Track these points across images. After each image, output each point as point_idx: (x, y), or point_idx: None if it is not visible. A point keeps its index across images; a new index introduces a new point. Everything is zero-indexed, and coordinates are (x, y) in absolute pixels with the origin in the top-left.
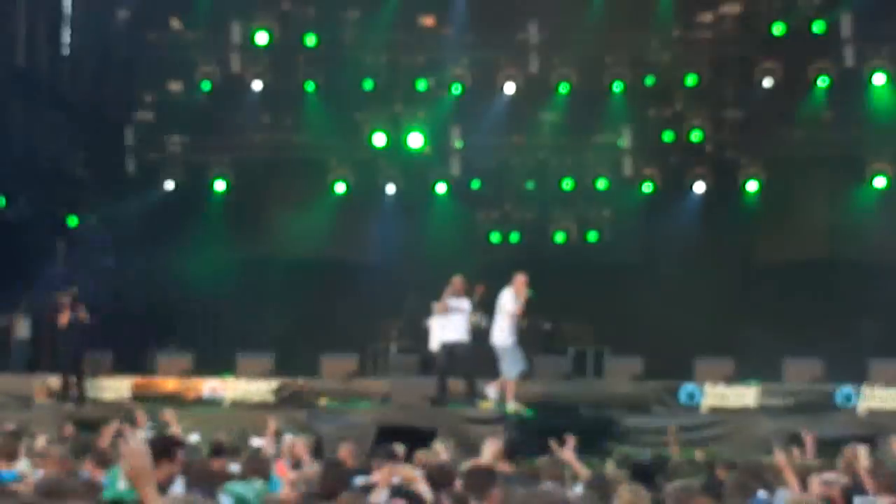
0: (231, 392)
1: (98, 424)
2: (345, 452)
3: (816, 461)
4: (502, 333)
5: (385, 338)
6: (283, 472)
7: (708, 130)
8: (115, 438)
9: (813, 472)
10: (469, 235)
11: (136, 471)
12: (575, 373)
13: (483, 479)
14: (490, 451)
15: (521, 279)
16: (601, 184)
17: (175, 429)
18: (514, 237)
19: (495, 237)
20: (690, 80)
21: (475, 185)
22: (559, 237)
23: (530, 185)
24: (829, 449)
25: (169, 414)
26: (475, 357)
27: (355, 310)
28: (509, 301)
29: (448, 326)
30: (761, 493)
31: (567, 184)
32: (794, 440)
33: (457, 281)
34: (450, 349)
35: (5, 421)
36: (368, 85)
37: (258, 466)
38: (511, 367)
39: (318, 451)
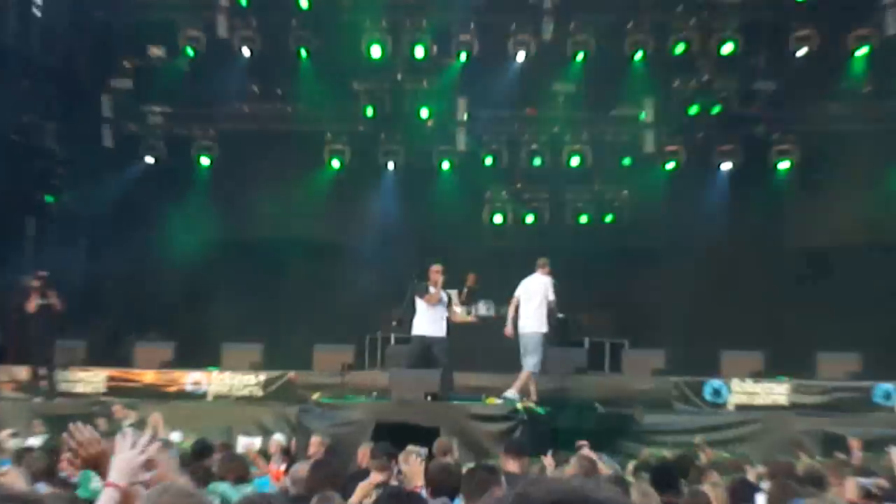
0: (215, 386)
1: (70, 420)
2: (361, 455)
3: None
4: (539, 322)
5: (383, 327)
6: (276, 475)
7: (737, 104)
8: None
9: (849, 474)
10: (476, 216)
11: (95, 457)
12: (591, 366)
13: (484, 478)
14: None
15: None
16: (620, 161)
17: (160, 434)
18: (525, 218)
19: (503, 218)
20: (719, 48)
21: (482, 161)
22: (578, 218)
23: (543, 161)
24: (867, 450)
25: (156, 418)
26: (451, 354)
27: (351, 297)
28: (549, 288)
29: (431, 319)
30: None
31: (583, 161)
32: (830, 441)
33: (435, 269)
34: (429, 344)
35: None
36: (367, 51)
37: (235, 467)
38: (537, 361)
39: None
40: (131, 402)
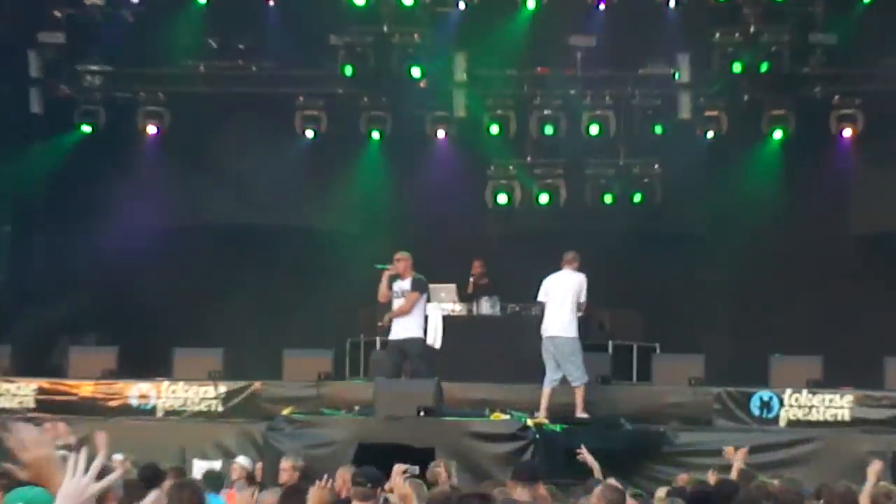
0: (166, 399)
1: None
2: (341, 481)
3: None
4: (571, 327)
5: (366, 329)
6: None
7: (790, 60)
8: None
9: None
10: (478, 196)
11: (41, 461)
12: (615, 375)
13: None
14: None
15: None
16: (650, 129)
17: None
18: (539, 198)
19: (507, 198)
20: None
21: (486, 129)
22: (601, 198)
23: (556, 130)
24: None
25: (100, 438)
26: (432, 357)
27: (329, 293)
28: (582, 290)
29: (401, 319)
30: None
31: (604, 129)
32: None
33: (400, 259)
34: (403, 349)
35: None
36: None
37: (187, 497)
38: (582, 369)
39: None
40: (65, 419)
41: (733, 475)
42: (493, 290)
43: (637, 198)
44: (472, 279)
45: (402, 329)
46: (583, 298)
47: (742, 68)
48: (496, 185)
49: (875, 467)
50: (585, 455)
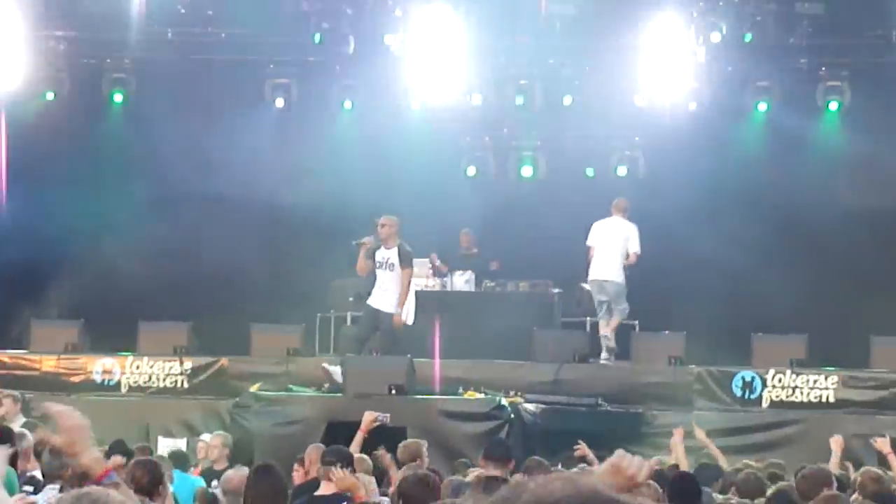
0: (130, 375)
1: None
2: (309, 460)
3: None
4: (620, 272)
5: (337, 303)
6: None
7: (775, 29)
8: None
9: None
10: (455, 168)
11: (73, 432)
12: (593, 353)
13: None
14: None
15: None
16: (631, 99)
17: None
18: (522, 171)
19: (475, 170)
20: None
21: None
22: (584, 171)
23: (534, 100)
24: None
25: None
26: (402, 334)
27: (298, 266)
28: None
29: (378, 287)
30: None
31: (582, 100)
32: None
33: (385, 223)
34: (375, 315)
35: None
36: None
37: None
38: (623, 308)
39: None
40: (26, 395)
41: (679, 458)
42: (480, 260)
43: (621, 171)
44: (460, 250)
45: (382, 300)
46: (634, 248)
47: (721, 38)
48: (470, 158)
49: (837, 442)
50: (584, 450)
